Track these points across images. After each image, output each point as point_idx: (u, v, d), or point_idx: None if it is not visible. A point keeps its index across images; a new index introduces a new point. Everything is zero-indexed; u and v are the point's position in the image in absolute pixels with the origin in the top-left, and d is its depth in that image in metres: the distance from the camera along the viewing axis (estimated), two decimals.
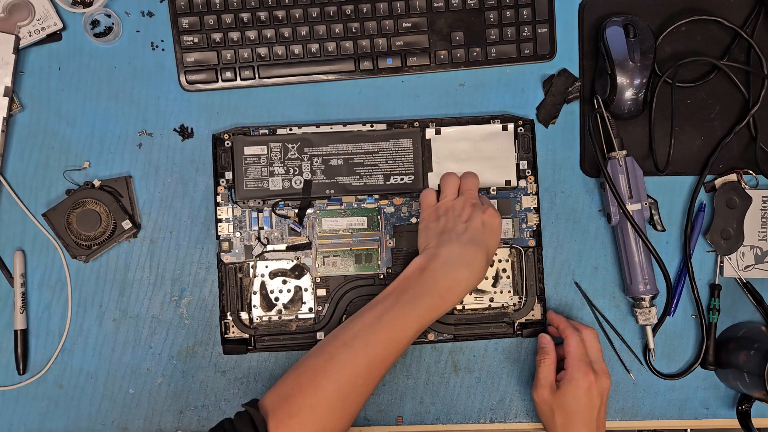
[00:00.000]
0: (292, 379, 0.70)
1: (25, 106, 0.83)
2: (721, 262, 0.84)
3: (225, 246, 0.82)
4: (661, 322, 0.82)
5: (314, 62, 0.83)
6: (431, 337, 0.82)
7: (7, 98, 0.81)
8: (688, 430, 0.88)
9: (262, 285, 0.82)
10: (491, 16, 0.83)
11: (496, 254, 0.82)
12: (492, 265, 0.83)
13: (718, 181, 0.84)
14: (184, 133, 0.84)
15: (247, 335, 0.82)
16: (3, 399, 0.83)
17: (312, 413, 0.68)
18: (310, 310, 0.82)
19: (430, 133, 0.83)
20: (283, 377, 0.71)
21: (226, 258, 0.82)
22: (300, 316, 0.82)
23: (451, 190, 0.78)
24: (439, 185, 0.79)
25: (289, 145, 0.82)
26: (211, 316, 0.83)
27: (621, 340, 0.83)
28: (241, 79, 0.83)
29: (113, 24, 0.83)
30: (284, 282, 0.82)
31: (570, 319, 0.82)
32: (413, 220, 0.83)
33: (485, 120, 0.83)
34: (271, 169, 0.82)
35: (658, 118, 0.84)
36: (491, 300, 0.83)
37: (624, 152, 0.81)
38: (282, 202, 0.82)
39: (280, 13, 0.82)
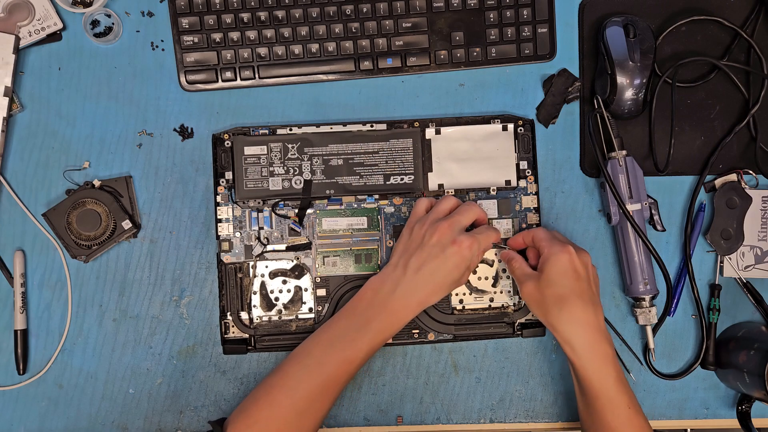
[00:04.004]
0: (252, 395, 0.75)
1: (25, 106, 0.83)
2: (721, 262, 0.84)
3: (225, 246, 0.82)
4: (661, 322, 0.82)
5: (314, 62, 0.83)
6: (431, 337, 0.82)
7: (7, 98, 0.81)
8: (688, 430, 0.88)
9: (262, 285, 0.82)
10: (491, 16, 0.83)
11: (496, 254, 0.82)
12: (492, 265, 0.83)
13: (718, 181, 0.84)
14: (184, 133, 0.84)
15: (247, 335, 0.82)
16: (3, 399, 0.83)
17: (267, 426, 0.72)
18: (310, 310, 0.82)
19: (430, 133, 0.83)
20: (247, 395, 0.75)
21: (226, 258, 0.82)
22: (300, 316, 0.82)
23: (443, 207, 0.77)
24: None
25: (289, 145, 0.82)
26: (211, 316, 0.83)
27: (621, 340, 0.83)
28: (241, 79, 0.83)
29: (113, 24, 0.83)
30: (284, 282, 0.82)
31: None
32: None
33: (485, 120, 0.83)
34: (271, 169, 0.82)
35: (658, 118, 0.84)
36: (491, 300, 0.83)
37: (624, 152, 0.81)
38: (282, 202, 0.82)
39: (280, 13, 0.82)
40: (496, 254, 0.83)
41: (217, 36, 0.82)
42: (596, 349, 0.73)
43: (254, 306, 0.82)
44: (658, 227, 0.82)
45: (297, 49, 0.83)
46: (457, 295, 0.82)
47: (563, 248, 0.74)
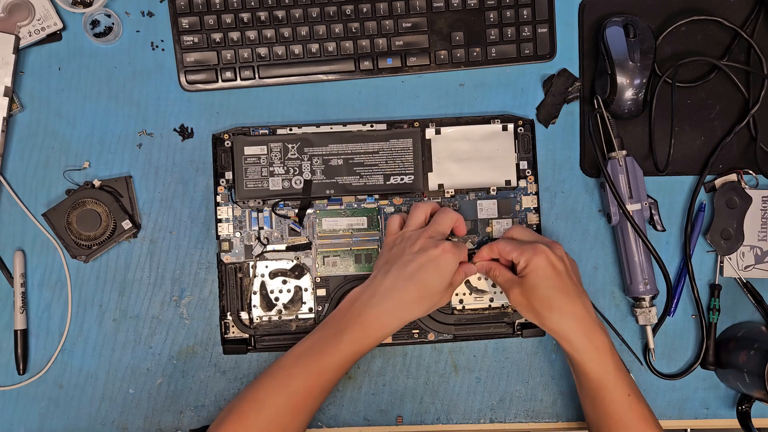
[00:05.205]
0: (228, 407, 0.73)
1: (25, 106, 0.83)
2: (721, 262, 0.84)
3: (225, 246, 0.82)
4: (661, 322, 0.82)
5: (314, 62, 0.83)
6: (431, 337, 0.82)
7: (7, 98, 0.81)
8: (688, 430, 0.88)
9: (262, 285, 0.82)
10: (491, 16, 0.83)
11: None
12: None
13: (718, 181, 0.84)
14: (184, 133, 0.84)
15: (247, 335, 0.82)
16: (3, 399, 0.83)
17: None
18: (310, 310, 0.82)
19: (430, 133, 0.83)
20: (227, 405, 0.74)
21: (226, 258, 0.82)
22: (300, 316, 0.82)
23: (416, 221, 0.77)
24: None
25: (289, 145, 0.82)
26: (211, 316, 0.83)
27: (621, 340, 0.83)
28: (241, 79, 0.83)
29: (113, 24, 0.83)
30: (284, 282, 0.82)
31: None
32: None
33: (485, 120, 0.83)
34: (271, 169, 0.82)
35: (658, 118, 0.84)
36: (491, 300, 0.83)
37: (624, 152, 0.81)
38: (282, 202, 0.82)
39: (280, 13, 0.82)
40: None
41: (217, 36, 0.82)
42: (593, 340, 0.72)
43: (254, 306, 0.82)
44: (658, 227, 0.82)
45: (297, 49, 0.83)
46: (457, 295, 0.82)
47: (535, 250, 0.73)
